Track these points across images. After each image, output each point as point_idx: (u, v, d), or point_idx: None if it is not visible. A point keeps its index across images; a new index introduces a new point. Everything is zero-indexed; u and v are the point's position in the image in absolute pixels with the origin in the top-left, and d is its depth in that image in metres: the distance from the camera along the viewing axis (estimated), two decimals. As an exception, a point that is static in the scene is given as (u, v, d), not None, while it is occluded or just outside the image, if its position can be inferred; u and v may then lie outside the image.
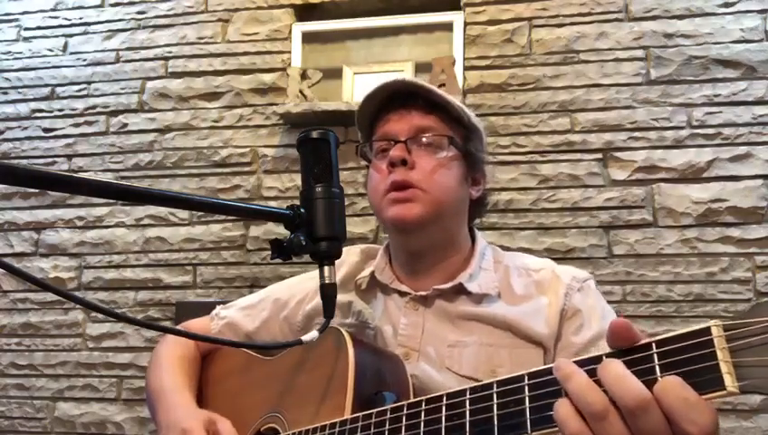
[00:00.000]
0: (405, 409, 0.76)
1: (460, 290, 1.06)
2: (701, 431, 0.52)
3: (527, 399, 0.63)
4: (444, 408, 0.71)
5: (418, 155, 1.05)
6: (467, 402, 0.68)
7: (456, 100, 1.10)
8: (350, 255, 1.19)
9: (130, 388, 2.35)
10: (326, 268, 0.78)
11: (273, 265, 2.30)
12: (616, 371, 0.56)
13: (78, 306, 2.43)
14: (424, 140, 1.06)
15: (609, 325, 0.59)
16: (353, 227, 2.26)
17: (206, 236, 2.39)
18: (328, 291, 0.79)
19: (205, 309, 1.28)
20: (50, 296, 2.46)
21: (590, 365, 0.59)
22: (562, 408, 0.58)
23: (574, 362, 0.60)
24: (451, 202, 1.07)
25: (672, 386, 0.54)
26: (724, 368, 0.52)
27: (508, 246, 2.14)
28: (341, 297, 1.10)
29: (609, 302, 1.09)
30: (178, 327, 1.24)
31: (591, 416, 0.56)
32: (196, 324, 1.25)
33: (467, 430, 0.67)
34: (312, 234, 0.77)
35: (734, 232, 2.05)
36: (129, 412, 2.34)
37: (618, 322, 0.59)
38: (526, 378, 0.64)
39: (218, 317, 1.23)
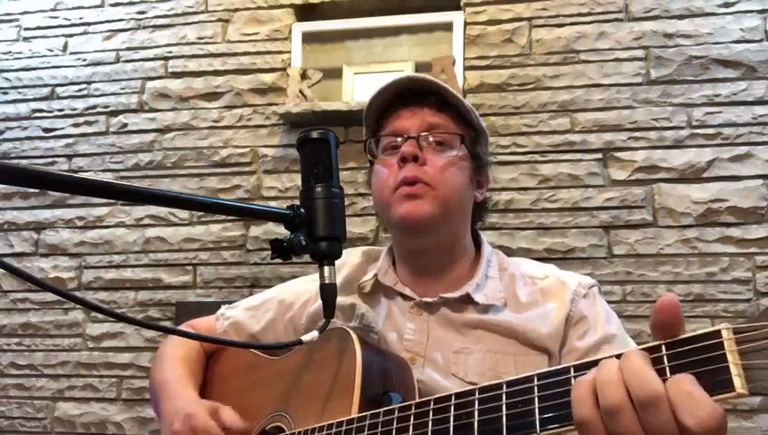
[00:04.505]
0: (413, 408, 0.75)
1: (467, 300, 1.05)
2: (699, 425, 0.53)
3: (536, 399, 0.63)
4: (452, 407, 0.70)
5: (429, 152, 1.04)
6: (476, 402, 0.68)
7: (465, 100, 1.10)
8: (352, 256, 1.18)
9: (130, 388, 2.35)
10: (326, 268, 0.78)
11: (273, 265, 2.30)
12: (636, 363, 0.57)
13: (78, 306, 2.43)
14: (435, 137, 1.05)
15: (657, 303, 0.58)
16: (353, 227, 2.26)
17: (206, 236, 2.39)
18: (328, 291, 0.79)
19: (205, 309, 1.29)
20: (50, 296, 2.46)
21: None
22: (582, 388, 0.59)
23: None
24: (459, 202, 1.06)
25: (679, 380, 0.55)
26: (734, 370, 0.53)
27: (508, 247, 2.15)
28: (344, 300, 1.09)
29: (608, 302, 1.10)
30: (184, 326, 1.25)
31: (604, 408, 0.57)
32: (201, 324, 1.25)
33: (476, 429, 0.67)
34: (312, 234, 0.77)
35: (734, 232, 2.05)
36: (129, 412, 2.34)
37: (669, 298, 0.58)
38: (536, 378, 0.64)
39: (223, 317, 1.23)
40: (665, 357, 0.57)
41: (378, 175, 1.08)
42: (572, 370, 0.62)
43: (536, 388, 0.64)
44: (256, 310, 1.22)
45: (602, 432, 0.57)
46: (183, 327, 1.21)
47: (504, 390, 0.66)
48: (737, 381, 0.52)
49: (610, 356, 0.60)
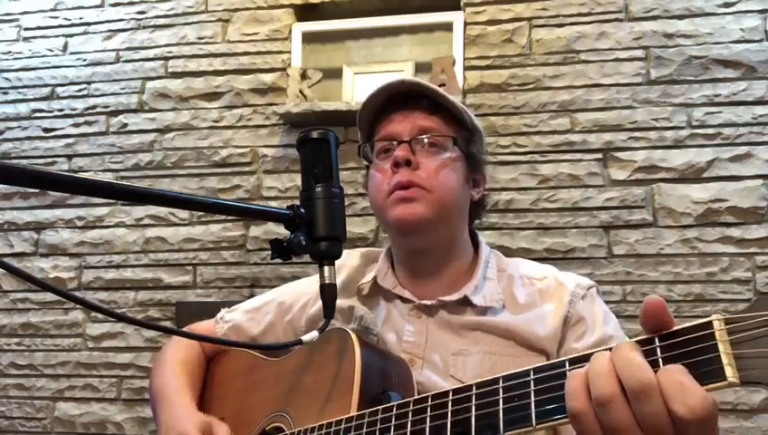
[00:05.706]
0: (411, 405, 0.76)
1: (465, 302, 1.05)
2: (691, 413, 0.53)
3: (532, 393, 0.64)
4: (450, 403, 0.71)
5: (422, 156, 1.05)
6: (473, 397, 0.69)
7: (457, 101, 1.10)
8: (351, 258, 1.18)
9: (130, 388, 2.35)
10: (326, 268, 0.79)
11: (274, 265, 2.30)
12: (627, 353, 0.57)
13: (78, 306, 2.43)
14: (427, 140, 1.06)
15: (643, 304, 0.59)
16: (353, 227, 2.26)
17: (206, 236, 2.39)
18: (328, 291, 0.79)
19: (205, 309, 1.29)
20: (50, 296, 2.46)
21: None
22: (574, 380, 0.59)
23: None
24: (454, 203, 1.07)
25: (670, 370, 0.55)
26: (725, 359, 0.53)
27: (508, 247, 2.15)
28: (343, 302, 1.10)
29: (608, 302, 1.10)
30: (183, 329, 1.25)
31: (596, 399, 0.57)
32: (201, 327, 1.25)
33: (473, 423, 0.68)
34: (312, 234, 0.77)
35: (734, 232, 2.05)
36: (129, 412, 2.34)
37: (652, 300, 0.58)
38: (532, 373, 0.65)
39: (223, 321, 1.23)
40: (658, 349, 0.58)
41: (373, 179, 1.10)
42: (567, 363, 0.63)
43: (532, 382, 0.64)
44: (255, 312, 1.22)
45: (595, 424, 0.57)
46: (183, 331, 1.21)
47: (501, 384, 0.67)
48: (728, 371, 0.53)
49: (604, 349, 0.61)
